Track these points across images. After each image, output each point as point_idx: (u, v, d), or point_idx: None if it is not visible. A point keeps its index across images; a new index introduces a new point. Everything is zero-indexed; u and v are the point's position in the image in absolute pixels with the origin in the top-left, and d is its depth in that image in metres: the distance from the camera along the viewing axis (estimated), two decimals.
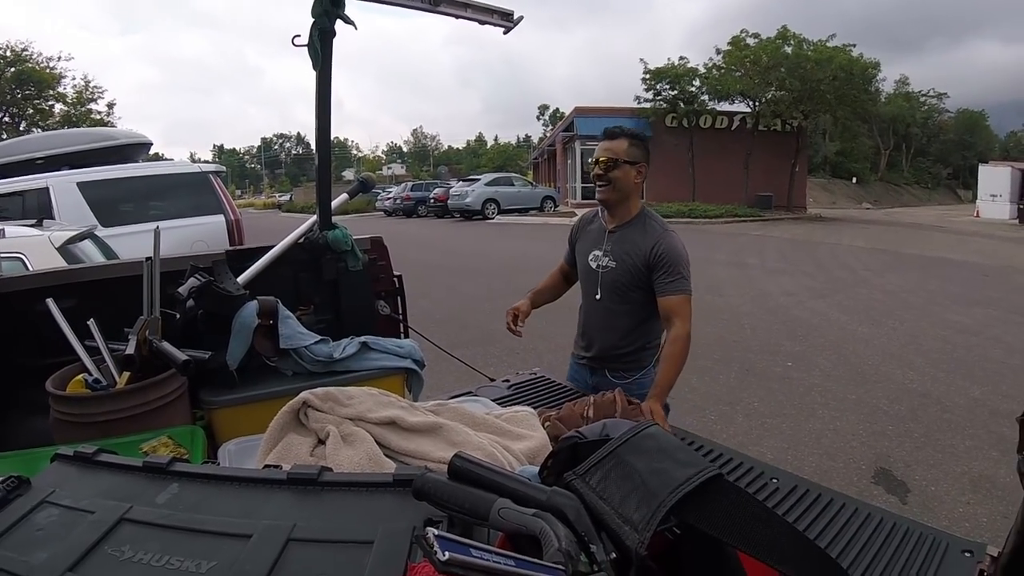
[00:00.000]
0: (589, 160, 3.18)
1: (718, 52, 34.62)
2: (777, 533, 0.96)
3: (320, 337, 2.17)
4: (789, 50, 32.39)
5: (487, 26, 2.62)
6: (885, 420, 5.64)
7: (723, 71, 34.29)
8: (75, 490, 1.04)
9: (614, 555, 0.89)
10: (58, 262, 4.66)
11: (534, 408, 1.87)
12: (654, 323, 2.99)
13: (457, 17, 2.55)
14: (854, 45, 32.60)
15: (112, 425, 1.69)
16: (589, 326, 3.11)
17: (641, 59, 37.49)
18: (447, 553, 0.70)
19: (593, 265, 3.02)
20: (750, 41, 33.65)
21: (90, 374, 1.87)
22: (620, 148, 2.92)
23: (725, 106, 35.70)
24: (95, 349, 1.94)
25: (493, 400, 2.03)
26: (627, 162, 2.92)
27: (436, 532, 0.73)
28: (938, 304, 10.64)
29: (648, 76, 35.07)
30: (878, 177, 66.37)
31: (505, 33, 2.68)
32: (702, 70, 35.16)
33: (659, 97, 35.26)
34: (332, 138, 2.72)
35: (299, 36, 2.29)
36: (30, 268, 4.18)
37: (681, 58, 35.89)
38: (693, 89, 35.11)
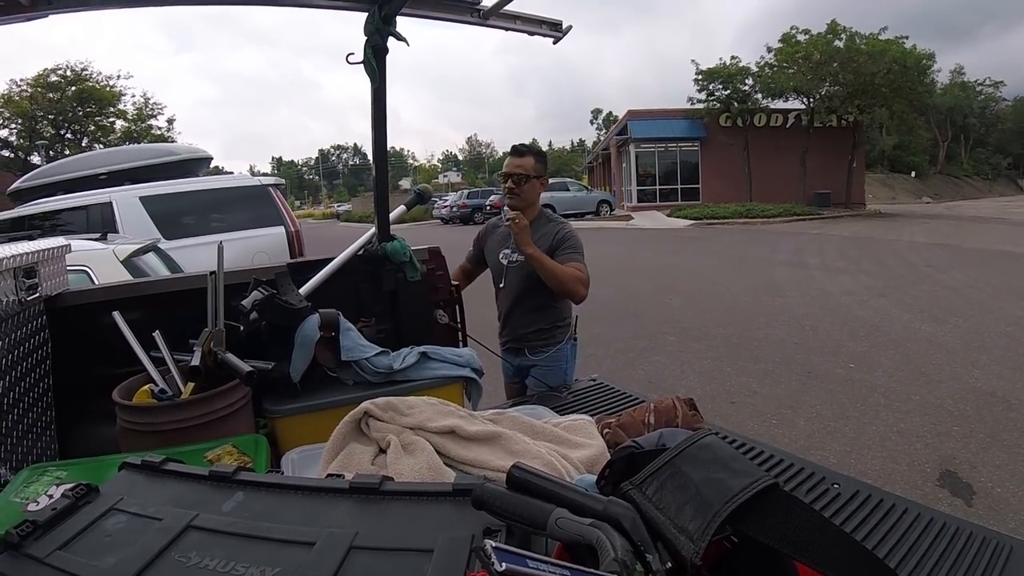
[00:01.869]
0: (497, 174, 3.44)
1: (769, 50, 34.37)
2: (833, 542, 0.96)
3: (380, 349, 2.18)
4: (841, 44, 31.98)
5: (537, 36, 2.63)
6: (950, 420, 5.51)
7: (775, 69, 34.00)
8: (142, 497, 1.06)
9: (670, 564, 0.89)
10: (123, 275, 4.75)
11: (593, 415, 1.86)
12: (562, 304, 3.42)
13: (507, 30, 2.56)
14: (907, 37, 32.13)
15: (177, 434, 1.72)
16: (508, 313, 3.49)
17: (693, 60, 37.36)
18: (504, 564, 0.71)
19: (504, 262, 3.45)
20: (801, 37, 33.27)
21: (156, 384, 1.91)
22: (528, 164, 3.34)
23: (779, 104, 35.46)
24: (160, 360, 1.98)
25: (552, 408, 2.03)
26: (534, 176, 3.35)
27: (494, 544, 0.74)
28: (1002, 299, 10.39)
29: (700, 77, 34.95)
30: (937, 170, 65.21)
31: (555, 43, 2.69)
32: (754, 68, 34.96)
33: (712, 97, 35.09)
34: (389, 149, 2.75)
35: (353, 54, 2.32)
36: (95, 281, 4.27)
37: (733, 57, 35.77)
38: (746, 88, 34.92)
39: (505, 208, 3.43)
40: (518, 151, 3.38)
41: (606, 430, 1.73)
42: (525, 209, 3.32)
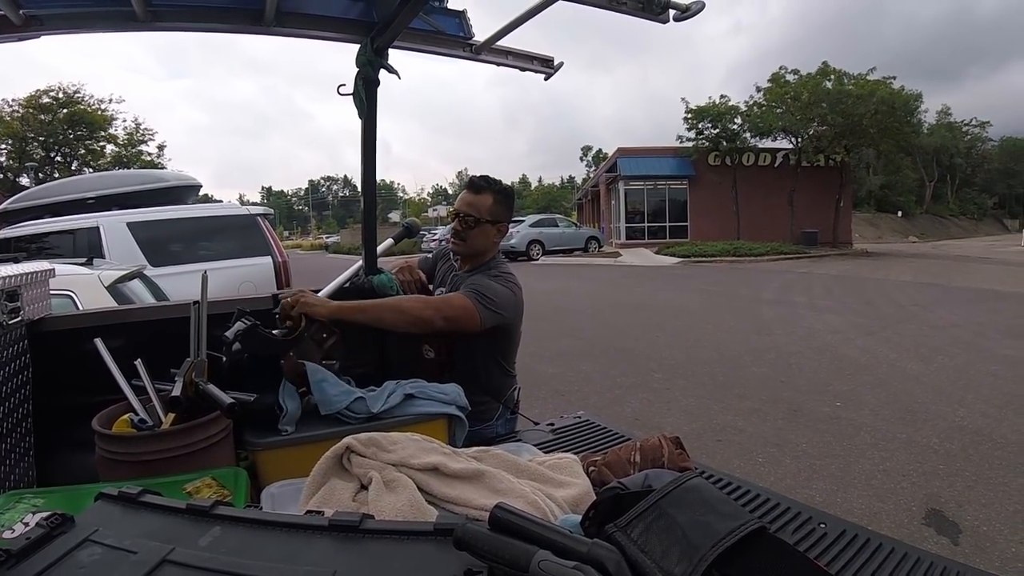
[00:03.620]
0: (449, 207, 2.72)
1: (759, 89, 34.85)
2: None
3: (358, 394, 2.10)
4: (830, 85, 32.40)
5: (529, 72, 2.66)
6: (936, 459, 5.52)
7: (764, 108, 34.42)
8: (118, 529, 1.04)
9: None
10: (107, 301, 4.74)
11: (579, 453, 1.85)
12: (495, 375, 2.79)
13: (499, 65, 2.58)
14: (894, 77, 32.54)
15: (157, 464, 1.70)
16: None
17: (683, 98, 37.84)
18: None
19: None
20: (790, 77, 33.73)
21: (136, 414, 1.89)
22: (484, 205, 2.72)
23: (767, 143, 35.87)
24: (142, 389, 1.96)
25: (536, 445, 2.02)
26: (488, 221, 2.72)
27: None
28: (988, 338, 10.49)
29: (690, 115, 35.36)
30: (923, 210, 65.95)
31: (546, 79, 2.71)
32: (743, 108, 35.36)
33: (701, 136, 35.46)
34: (379, 181, 2.76)
35: (344, 85, 2.34)
36: (79, 307, 4.26)
37: (722, 96, 36.18)
38: (735, 127, 35.27)
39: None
40: (475, 186, 2.75)
41: (591, 469, 1.71)
42: (471, 258, 2.81)
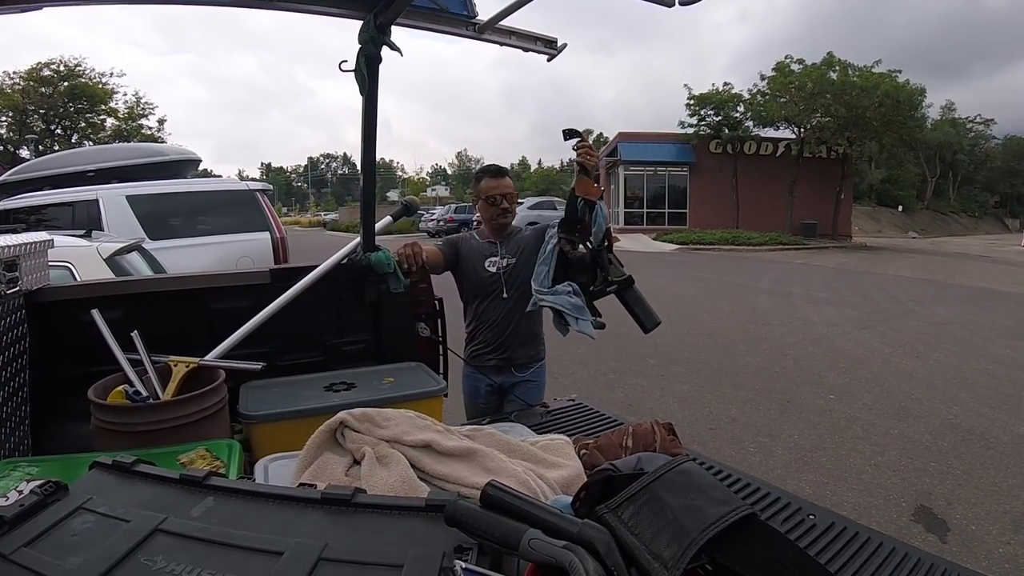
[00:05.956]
0: (484, 196, 3.23)
1: (763, 78, 34.56)
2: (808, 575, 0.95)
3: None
4: (834, 76, 32.18)
5: (531, 53, 2.64)
6: (927, 456, 5.52)
7: (768, 97, 34.19)
8: (112, 498, 1.05)
9: None
10: (105, 273, 4.73)
11: (571, 435, 1.86)
12: (539, 314, 3.24)
13: (501, 45, 2.57)
14: (900, 71, 32.33)
15: (152, 435, 1.71)
16: (499, 329, 3.28)
17: (685, 84, 37.63)
18: None
19: (493, 269, 3.28)
20: (795, 67, 33.49)
21: (131, 385, 1.89)
22: (511, 185, 3.36)
23: (769, 132, 35.58)
24: (138, 361, 1.97)
25: (529, 426, 2.02)
26: (514, 194, 3.36)
27: (464, 565, 0.73)
28: (984, 337, 10.45)
29: (692, 101, 35.12)
30: (924, 205, 65.57)
31: (549, 60, 2.69)
32: (746, 96, 35.12)
33: (703, 123, 35.23)
34: (378, 160, 2.75)
35: (346, 61, 2.32)
36: (77, 278, 4.25)
37: (725, 84, 35.96)
38: (737, 115, 35.06)
39: (476, 233, 3.48)
40: (501, 172, 3.37)
41: (583, 451, 1.72)
42: (508, 227, 3.36)
